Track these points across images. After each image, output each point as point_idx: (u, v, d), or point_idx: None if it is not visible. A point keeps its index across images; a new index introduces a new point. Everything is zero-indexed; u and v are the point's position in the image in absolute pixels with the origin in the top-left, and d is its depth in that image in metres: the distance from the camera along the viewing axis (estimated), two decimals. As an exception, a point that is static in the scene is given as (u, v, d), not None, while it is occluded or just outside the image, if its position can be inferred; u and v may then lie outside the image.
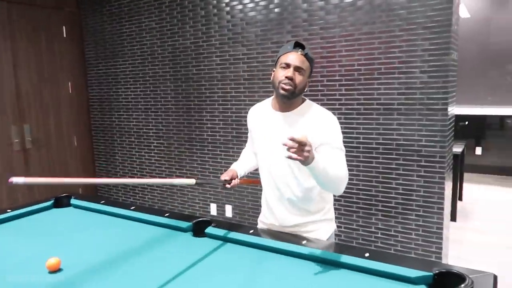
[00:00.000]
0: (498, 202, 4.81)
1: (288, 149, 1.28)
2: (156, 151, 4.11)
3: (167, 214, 2.03)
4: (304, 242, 1.63)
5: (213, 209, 3.78)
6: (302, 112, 1.65)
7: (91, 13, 4.30)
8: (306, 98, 1.71)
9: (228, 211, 3.68)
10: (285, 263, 1.52)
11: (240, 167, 1.93)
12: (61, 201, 2.38)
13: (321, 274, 1.44)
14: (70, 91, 4.37)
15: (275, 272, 1.45)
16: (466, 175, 5.14)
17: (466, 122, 5.93)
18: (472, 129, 5.98)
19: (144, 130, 4.16)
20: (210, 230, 1.80)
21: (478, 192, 5.22)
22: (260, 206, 1.91)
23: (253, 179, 2.09)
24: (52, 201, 2.36)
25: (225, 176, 1.83)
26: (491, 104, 6.02)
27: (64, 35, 4.27)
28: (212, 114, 3.66)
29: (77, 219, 2.15)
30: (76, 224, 2.08)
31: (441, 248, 2.64)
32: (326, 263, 1.50)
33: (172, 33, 3.77)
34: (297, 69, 1.58)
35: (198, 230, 1.85)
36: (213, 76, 3.60)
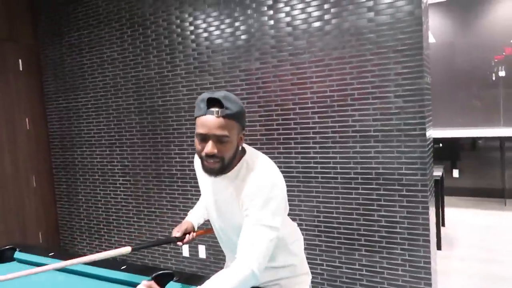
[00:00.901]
0: (480, 226, 4.70)
1: None
2: (122, 189, 3.82)
3: (123, 267, 1.76)
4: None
5: (185, 250, 3.48)
6: (235, 177, 1.35)
7: (49, 45, 4.08)
8: (246, 149, 1.41)
9: (202, 251, 3.40)
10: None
11: (197, 216, 1.69)
12: (2, 255, 2.07)
13: None
14: (28, 127, 4.07)
15: None
16: (446, 199, 5.05)
17: (440, 144, 5.90)
18: (447, 152, 5.96)
19: (109, 167, 3.87)
20: (171, 286, 1.55)
21: (460, 215, 5.11)
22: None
23: (210, 229, 1.86)
24: (-9, 256, 2.05)
25: (176, 232, 1.57)
26: (462, 126, 6.06)
27: (21, 68, 4.01)
28: (181, 148, 3.44)
29: (18, 279, 1.84)
30: (18, 286, 1.77)
31: (430, 284, 2.45)
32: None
33: (135, 63, 3.58)
34: (218, 139, 1.25)
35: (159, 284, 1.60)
36: (180, 107, 3.40)
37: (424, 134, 2.43)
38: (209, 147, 1.25)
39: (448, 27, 6.12)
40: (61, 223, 4.28)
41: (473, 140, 5.90)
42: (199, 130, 1.26)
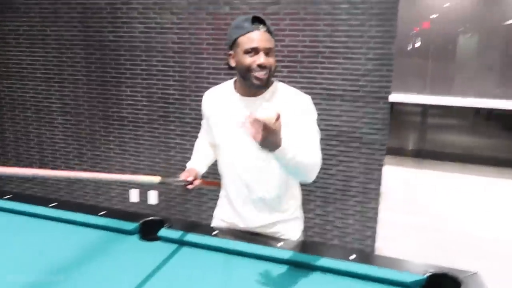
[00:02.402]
0: (415, 184, 5.21)
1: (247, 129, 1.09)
2: (60, 129, 3.50)
3: (103, 212, 1.67)
4: (279, 244, 1.47)
5: (134, 195, 3.38)
6: (272, 94, 1.47)
7: (-32, -48, 3.40)
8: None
9: (153, 197, 3.33)
10: (260, 269, 1.33)
11: (199, 165, 1.65)
12: None
13: (303, 280, 1.29)
14: None
15: (250, 280, 1.26)
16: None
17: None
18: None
19: (45, 104, 3.50)
20: (164, 232, 1.52)
21: (390, 173, 5.62)
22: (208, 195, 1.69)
23: (213, 181, 1.84)
24: None
25: (185, 175, 1.54)
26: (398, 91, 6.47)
27: None
28: (134, 89, 3.22)
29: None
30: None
31: (375, 232, 2.74)
32: (307, 267, 1.36)
33: (82, -11, 3.17)
34: (267, 51, 1.37)
35: (148, 232, 1.56)
36: (135, 46, 3.15)
37: (387, 97, 2.60)
38: (262, 58, 1.35)
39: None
40: (-18, 163, 3.83)
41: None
42: (250, 45, 1.35)
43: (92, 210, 1.69)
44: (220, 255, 1.41)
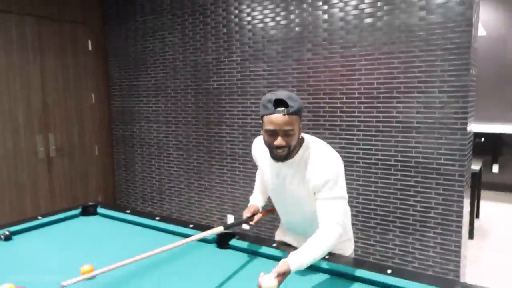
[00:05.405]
0: None
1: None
2: (175, 162, 4.21)
3: (191, 225, 2.10)
4: (327, 256, 1.68)
5: (230, 220, 3.84)
6: (300, 160, 1.61)
7: (116, 28, 4.47)
8: (304, 136, 1.65)
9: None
10: (310, 278, 1.56)
11: (259, 200, 1.95)
12: (88, 210, 2.47)
13: (345, 289, 1.48)
14: (93, 102, 4.51)
15: (300, 286, 1.50)
16: (483, 193, 5.11)
17: (483, 139, 5.90)
18: (489, 147, 5.95)
19: (164, 142, 4.26)
20: (234, 242, 1.87)
21: (495, 210, 5.17)
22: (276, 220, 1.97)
23: (271, 209, 2.15)
24: (79, 209, 2.45)
25: (247, 213, 1.84)
26: (508, 122, 6.00)
27: (90, 49, 4.43)
28: (232, 128, 3.75)
29: (104, 228, 2.23)
30: (104, 233, 2.16)
31: (459, 267, 2.65)
32: (349, 278, 1.55)
33: (194, 48, 3.89)
34: (285, 133, 1.49)
35: (222, 241, 1.92)
36: (234, 91, 3.70)
37: (465, 128, 2.60)
38: (279, 140, 1.49)
39: (500, 20, 6.02)
40: (118, 190, 4.76)
41: (517, 137, 5.84)
42: (269, 127, 1.50)
43: (184, 223, 2.13)
44: (275, 262, 1.69)
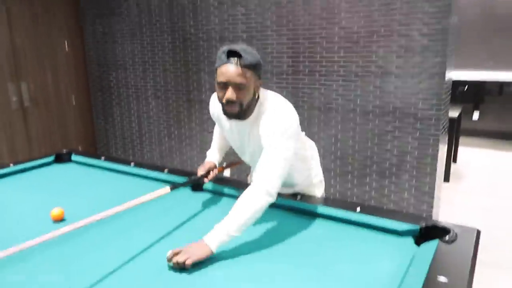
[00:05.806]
0: (492, 165, 4.91)
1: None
2: (154, 111, 4.13)
3: (166, 170, 2.09)
4: (299, 197, 1.70)
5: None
6: (256, 118, 1.52)
7: (86, -32, 4.18)
8: (260, 94, 1.53)
9: (226, 170, 3.74)
10: (280, 217, 1.59)
11: (216, 155, 1.90)
12: (62, 157, 2.44)
13: (314, 226, 1.52)
14: (67, 50, 4.32)
15: (272, 225, 1.53)
16: (462, 139, 5.20)
17: (466, 87, 5.92)
18: (471, 94, 5.98)
19: (143, 90, 4.15)
20: (206, 185, 1.89)
21: (473, 155, 5.31)
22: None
23: (232, 163, 2.11)
24: (53, 157, 2.41)
25: (201, 171, 1.78)
26: (491, 69, 5.99)
27: (59, -7, 4.16)
28: (212, 75, 3.65)
29: (78, 174, 2.21)
30: (77, 179, 2.14)
31: (432, 207, 2.74)
32: (319, 217, 1.58)
33: (169, -10, 3.68)
34: (237, 86, 1.39)
35: (196, 185, 1.93)
36: (212, 37, 3.56)
37: (444, 73, 2.57)
38: (229, 93, 1.40)
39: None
40: (98, 139, 4.70)
41: (500, 84, 5.87)
42: (220, 78, 1.40)
43: (159, 168, 2.12)
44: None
